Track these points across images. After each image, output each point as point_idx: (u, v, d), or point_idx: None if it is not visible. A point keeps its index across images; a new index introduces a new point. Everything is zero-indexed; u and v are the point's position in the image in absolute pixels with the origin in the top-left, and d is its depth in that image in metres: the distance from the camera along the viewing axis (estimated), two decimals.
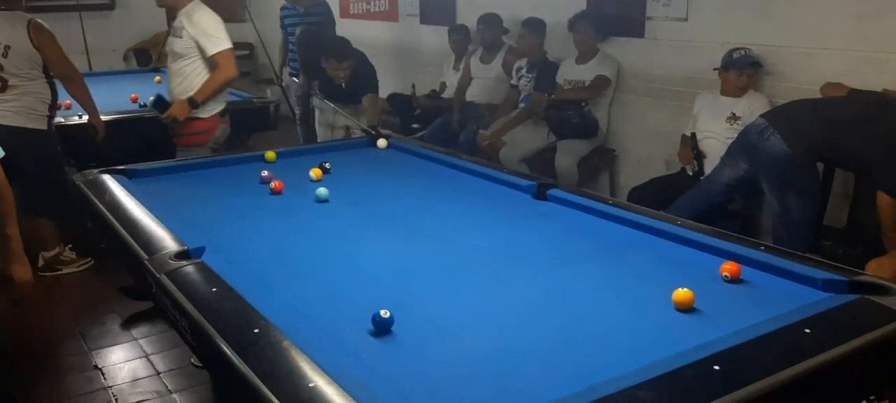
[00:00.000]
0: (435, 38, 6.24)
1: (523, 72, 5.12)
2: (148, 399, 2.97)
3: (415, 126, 5.73)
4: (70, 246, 4.23)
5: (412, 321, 1.73)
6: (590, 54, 4.71)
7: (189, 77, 3.85)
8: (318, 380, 1.39)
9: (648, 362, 1.46)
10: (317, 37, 5.35)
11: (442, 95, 5.92)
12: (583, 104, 4.66)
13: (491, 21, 5.41)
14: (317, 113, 5.19)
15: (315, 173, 3.04)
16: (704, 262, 2.10)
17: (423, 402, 1.41)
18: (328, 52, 4.64)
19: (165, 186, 2.94)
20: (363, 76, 4.71)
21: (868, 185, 3.29)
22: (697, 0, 4.25)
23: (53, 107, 4.00)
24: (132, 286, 3.63)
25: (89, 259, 4.23)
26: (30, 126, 3.83)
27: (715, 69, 3.95)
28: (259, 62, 8.58)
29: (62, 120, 4.30)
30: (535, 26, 5.02)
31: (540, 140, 4.85)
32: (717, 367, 1.44)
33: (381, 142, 3.67)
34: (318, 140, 5.09)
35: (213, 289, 1.84)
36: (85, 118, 4.17)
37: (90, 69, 6.67)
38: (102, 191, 2.74)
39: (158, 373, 3.15)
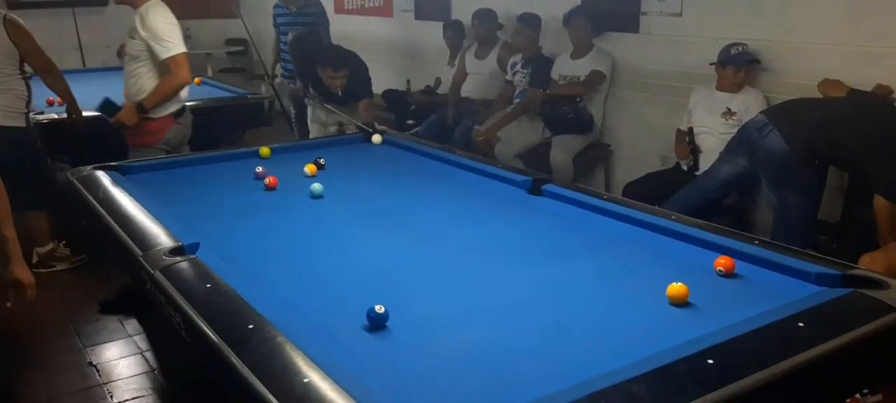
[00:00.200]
0: (430, 33, 6.23)
1: (518, 67, 5.11)
2: (143, 396, 2.96)
3: (410, 122, 5.72)
4: (64, 242, 4.22)
5: (406, 316, 1.73)
6: (585, 49, 4.71)
7: (141, 80, 3.78)
8: (313, 375, 1.40)
9: (642, 356, 1.47)
10: (310, 43, 5.31)
11: (437, 91, 5.92)
12: (578, 99, 4.65)
13: (486, 16, 5.41)
14: (309, 110, 5.18)
15: (309, 169, 3.03)
16: (699, 257, 2.11)
17: (417, 396, 1.41)
18: (324, 61, 4.55)
19: (159, 182, 2.94)
20: (359, 82, 4.65)
21: (862, 181, 3.30)
22: None
23: (29, 103, 3.98)
24: (111, 298, 3.63)
25: (83, 255, 4.22)
26: (9, 124, 3.80)
27: (711, 64, 3.95)
28: (253, 58, 8.57)
29: (55, 115, 4.28)
30: (529, 21, 5.02)
31: (535, 135, 4.84)
32: (711, 361, 1.45)
33: (376, 138, 3.67)
34: (312, 136, 5.07)
35: (208, 285, 1.84)
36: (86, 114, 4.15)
37: (84, 65, 6.65)
38: (96, 187, 2.73)
39: (154, 370, 3.14)
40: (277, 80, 6.23)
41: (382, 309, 1.68)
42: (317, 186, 2.77)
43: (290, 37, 5.51)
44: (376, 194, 2.84)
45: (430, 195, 2.84)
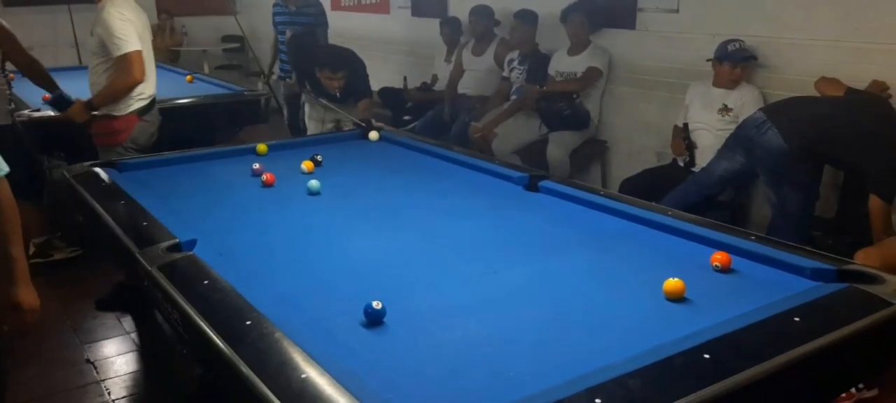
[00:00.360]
0: (426, 30, 6.23)
1: (515, 64, 5.12)
2: (141, 392, 2.97)
3: (406, 117, 5.73)
4: (59, 234, 4.22)
5: (404, 311, 1.73)
6: (581, 46, 4.72)
7: (101, 77, 3.72)
8: (310, 371, 1.40)
9: (639, 350, 1.47)
10: (308, 43, 5.29)
11: (433, 88, 5.91)
12: (574, 96, 4.66)
13: (482, 13, 5.41)
14: (306, 108, 5.17)
15: (307, 165, 3.03)
16: (695, 252, 2.12)
17: (414, 391, 1.41)
18: (322, 62, 4.52)
19: (156, 179, 2.93)
20: (357, 82, 4.63)
21: (858, 179, 3.32)
22: None
23: (11, 100, 3.96)
24: (106, 298, 3.63)
25: (77, 248, 4.22)
26: None
27: (708, 60, 3.96)
28: (249, 55, 8.56)
29: (50, 113, 4.27)
30: (526, 18, 5.02)
31: (532, 132, 4.85)
32: (707, 355, 1.45)
33: (373, 135, 3.67)
34: (310, 133, 5.06)
35: (205, 282, 1.84)
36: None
37: (80, 62, 6.63)
38: (92, 184, 2.73)
39: (151, 366, 3.14)
40: (273, 78, 6.22)
41: (379, 305, 1.68)
42: (314, 183, 2.77)
43: (288, 35, 5.50)
44: (373, 190, 2.84)
45: (426, 191, 2.84)
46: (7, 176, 1.97)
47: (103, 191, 2.65)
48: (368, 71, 4.75)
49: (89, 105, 3.70)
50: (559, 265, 2.08)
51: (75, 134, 3.85)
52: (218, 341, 1.55)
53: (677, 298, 1.80)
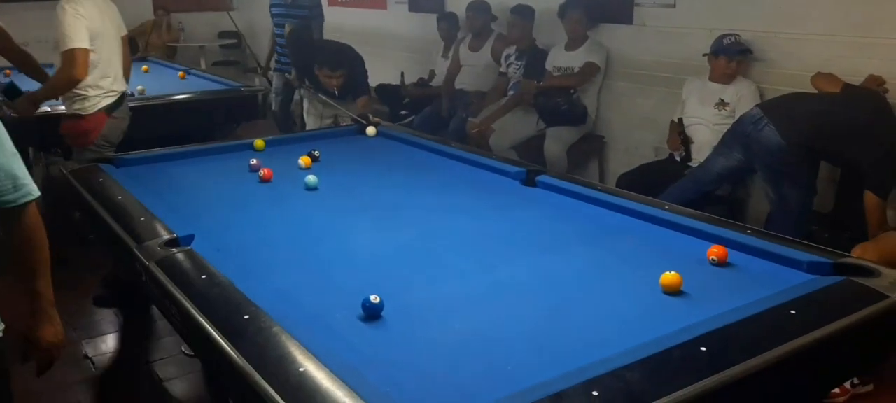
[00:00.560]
0: (424, 25, 6.22)
1: (512, 59, 5.12)
2: (138, 387, 2.97)
3: (403, 112, 5.72)
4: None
5: (401, 306, 1.74)
6: (579, 41, 4.72)
7: None
8: (308, 365, 1.40)
9: (636, 343, 1.48)
10: (307, 39, 5.28)
11: (431, 84, 5.91)
12: (572, 91, 4.66)
13: (480, 8, 5.40)
14: (305, 103, 5.17)
15: (304, 161, 3.03)
16: (692, 246, 2.12)
17: (412, 386, 1.42)
18: (321, 61, 4.51)
19: (153, 175, 2.93)
20: (356, 79, 4.63)
21: (854, 173, 3.32)
22: None
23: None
24: (103, 294, 3.62)
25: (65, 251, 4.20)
26: None
27: (704, 55, 3.96)
28: (247, 52, 8.55)
29: (48, 109, 4.26)
30: (524, 13, 5.02)
31: (529, 127, 4.85)
32: (703, 348, 1.46)
33: (370, 130, 3.67)
34: (307, 128, 5.06)
35: (203, 277, 1.84)
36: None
37: None
38: (90, 180, 2.73)
39: (149, 362, 3.15)
40: (270, 73, 6.22)
41: (377, 299, 1.69)
42: (311, 178, 2.77)
43: (286, 29, 5.50)
44: (371, 186, 2.84)
45: (424, 186, 2.84)
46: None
47: (101, 186, 2.65)
48: (366, 67, 4.75)
49: (33, 98, 3.66)
50: (556, 259, 2.08)
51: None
52: (216, 335, 1.56)
53: (674, 292, 1.81)
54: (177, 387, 2.97)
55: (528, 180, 2.80)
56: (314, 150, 3.14)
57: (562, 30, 4.78)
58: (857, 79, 3.40)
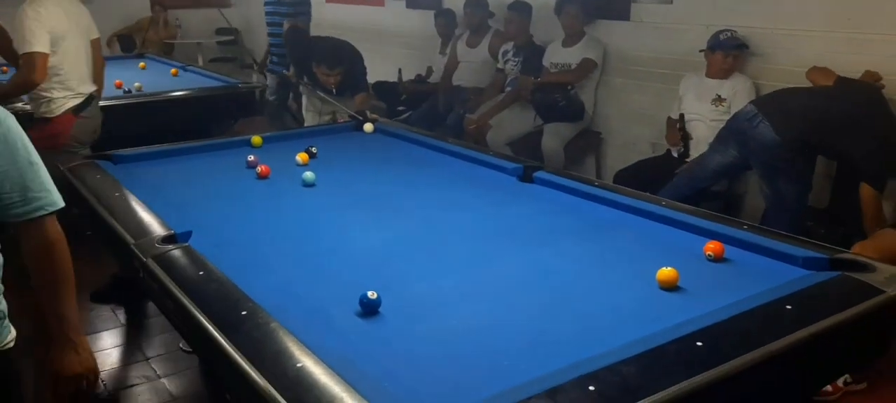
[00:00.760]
0: (421, 22, 6.22)
1: (510, 55, 5.12)
2: (137, 384, 2.97)
3: (400, 108, 5.72)
4: None
5: (399, 301, 1.74)
6: (576, 37, 4.72)
7: None
8: (306, 360, 1.40)
9: (633, 338, 1.48)
10: (306, 36, 5.28)
11: (428, 80, 5.91)
12: (569, 87, 4.66)
13: (477, 4, 5.41)
14: (303, 99, 5.17)
15: (301, 157, 3.04)
16: (688, 242, 2.13)
17: (410, 380, 1.42)
18: (319, 58, 4.50)
19: (151, 171, 2.93)
20: (354, 76, 4.62)
21: (850, 168, 3.33)
22: None
23: None
24: (101, 290, 3.62)
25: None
26: None
27: (701, 50, 3.97)
28: (245, 47, 8.55)
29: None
30: (521, 9, 5.02)
31: (526, 123, 4.86)
32: (700, 343, 1.47)
33: (368, 127, 3.67)
34: (306, 125, 5.06)
35: (200, 272, 1.84)
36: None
37: None
38: (88, 176, 2.73)
39: (147, 359, 3.15)
40: (267, 70, 6.23)
41: (375, 295, 1.69)
42: (309, 174, 2.77)
43: (285, 26, 5.51)
44: (368, 182, 2.84)
45: (422, 182, 2.84)
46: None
47: (98, 183, 2.65)
48: (366, 75, 4.75)
49: None
50: (553, 255, 2.09)
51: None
52: (213, 331, 1.56)
53: (671, 287, 1.81)
54: (174, 384, 2.97)
55: (526, 176, 2.80)
56: (312, 147, 3.14)
57: (559, 26, 4.78)
58: (853, 76, 3.40)
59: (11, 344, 1.62)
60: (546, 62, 4.85)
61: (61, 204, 1.64)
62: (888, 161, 3.08)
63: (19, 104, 4.12)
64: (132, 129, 3.96)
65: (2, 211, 1.58)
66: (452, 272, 1.98)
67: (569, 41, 4.75)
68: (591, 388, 1.31)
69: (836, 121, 3.20)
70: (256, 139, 3.37)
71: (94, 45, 3.92)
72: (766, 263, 1.97)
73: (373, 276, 1.87)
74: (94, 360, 1.73)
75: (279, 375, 1.37)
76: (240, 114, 5.04)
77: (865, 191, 3.04)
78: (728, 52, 3.84)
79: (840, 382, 2.70)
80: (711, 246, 2.01)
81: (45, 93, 3.61)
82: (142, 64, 6.03)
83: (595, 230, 2.29)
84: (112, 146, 3.08)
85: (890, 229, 2.96)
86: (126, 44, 7.85)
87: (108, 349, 3.25)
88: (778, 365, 1.48)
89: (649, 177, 3.81)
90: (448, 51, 5.66)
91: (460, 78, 5.49)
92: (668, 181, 3.77)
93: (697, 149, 3.88)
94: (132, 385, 2.97)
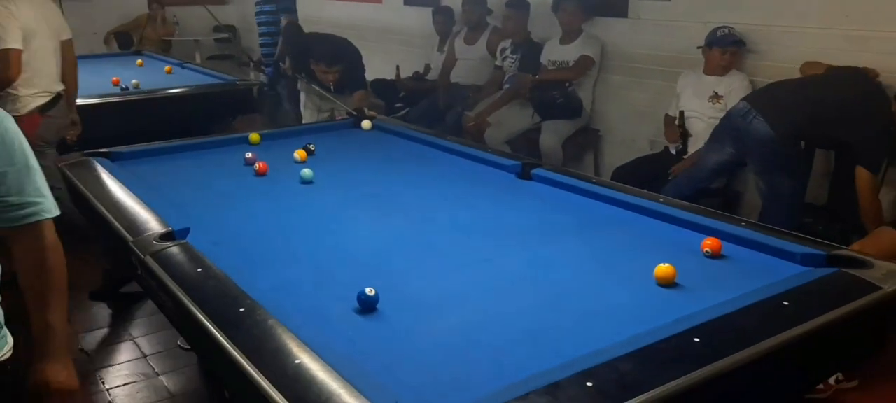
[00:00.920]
0: (419, 19, 6.21)
1: (508, 52, 5.11)
2: (135, 382, 2.97)
3: (398, 105, 5.72)
4: None
5: (397, 298, 1.74)
6: (574, 34, 4.72)
7: None
8: (304, 357, 1.41)
9: (631, 334, 1.49)
10: (304, 33, 5.28)
11: (426, 77, 5.91)
12: (567, 84, 4.67)
13: (475, 2, 5.40)
14: (302, 96, 5.17)
15: (299, 154, 3.03)
16: (686, 238, 2.13)
17: (409, 377, 1.42)
18: (317, 56, 4.49)
19: (149, 169, 2.93)
20: (353, 73, 4.61)
21: (848, 163, 3.34)
22: None
23: None
24: (99, 289, 3.62)
25: None
26: None
27: (698, 47, 3.97)
28: (242, 45, 8.54)
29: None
30: (519, 7, 5.02)
31: (525, 120, 4.85)
32: (697, 339, 1.47)
33: (366, 124, 3.67)
34: (304, 122, 5.06)
35: (198, 270, 1.84)
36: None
37: None
38: (86, 174, 2.73)
39: (145, 356, 3.15)
40: (263, 68, 6.25)
41: (373, 292, 1.69)
42: (307, 171, 2.77)
43: (283, 22, 5.52)
44: (366, 179, 2.84)
45: (420, 180, 2.85)
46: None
47: (96, 180, 2.65)
48: (365, 72, 4.75)
49: None
50: (552, 252, 2.09)
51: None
52: (212, 328, 1.56)
53: (668, 283, 1.82)
54: (172, 381, 2.97)
55: (524, 173, 2.80)
56: (310, 144, 3.14)
57: (556, 23, 4.78)
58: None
59: (9, 355, 1.55)
60: (544, 59, 4.85)
61: (56, 212, 1.62)
62: (883, 143, 3.08)
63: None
64: (130, 127, 3.95)
65: None
66: (450, 268, 1.98)
67: (567, 38, 4.75)
68: (589, 384, 1.31)
69: (830, 109, 3.20)
70: (254, 136, 3.37)
71: (67, 45, 3.88)
72: (763, 260, 1.97)
73: (371, 273, 1.88)
74: (76, 380, 1.67)
75: (278, 372, 1.37)
76: (237, 111, 5.04)
77: (861, 173, 3.04)
78: (725, 49, 3.85)
79: (831, 380, 2.70)
80: (709, 243, 2.01)
81: (11, 91, 3.56)
82: (139, 61, 6.03)
83: (593, 227, 2.29)
84: (110, 144, 3.08)
85: (888, 228, 2.97)
86: (123, 41, 7.85)
87: (106, 347, 3.25)
88: (775, 361, 1.49)
89: (647, 174, 3.82)
90: (446, 48, 5.66)
91: (458, 75, 5.49)
92: (666, 178, 3.78)
93: (695, 145, 3.89)
94: (130, 383, 2.97)
